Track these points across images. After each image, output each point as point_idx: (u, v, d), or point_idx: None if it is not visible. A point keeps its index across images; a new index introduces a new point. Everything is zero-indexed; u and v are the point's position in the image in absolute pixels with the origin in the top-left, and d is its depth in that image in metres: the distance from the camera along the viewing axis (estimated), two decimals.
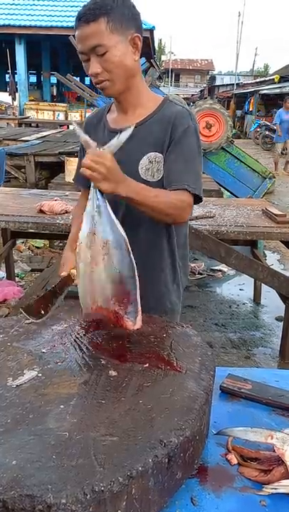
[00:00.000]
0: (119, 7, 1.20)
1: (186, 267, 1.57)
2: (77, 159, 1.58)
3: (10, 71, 16.13)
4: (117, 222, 1.09)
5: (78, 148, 1.56)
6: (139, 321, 1.09)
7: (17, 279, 4.35)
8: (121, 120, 1.37)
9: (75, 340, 1.11)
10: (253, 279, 4.00)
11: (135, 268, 1.09)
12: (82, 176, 1.39)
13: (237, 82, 30.26)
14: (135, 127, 1.32)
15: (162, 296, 1.49)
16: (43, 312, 1.16)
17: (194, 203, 1.33)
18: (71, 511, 0.65)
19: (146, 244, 1.40)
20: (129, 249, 1.08)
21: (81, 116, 14.18)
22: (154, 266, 1.44)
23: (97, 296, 1.12)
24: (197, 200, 1.32)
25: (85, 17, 1.18)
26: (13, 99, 15.65)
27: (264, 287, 3.93)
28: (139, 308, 1.09)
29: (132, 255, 1.08)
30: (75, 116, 14.73)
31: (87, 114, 1.54)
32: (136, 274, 1.09)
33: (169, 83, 47.47)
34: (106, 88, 1.27)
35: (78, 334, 1.15)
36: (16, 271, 4.37)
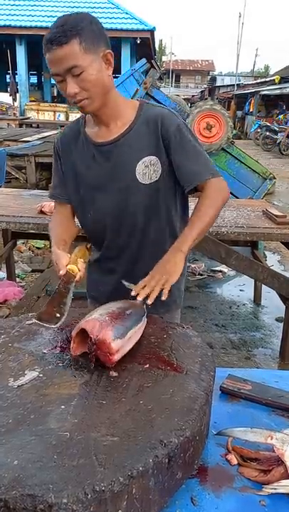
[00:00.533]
0: (88, 26, 1.20)
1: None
2: None
3: (10, 72, 16.15)
4: None
5: None
6: (120, 353, 1.01)
7: (18, 279, 4.35)
8: (105, 133, 1.38)
9: None
10: (253, 280, 4.00)
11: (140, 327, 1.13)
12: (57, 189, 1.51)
13: (237, 82, 30.27)
14: (122, 137, 1.36)
15: (172, 287, 1.52)
16: (58, 315, 1.14)
17: None
18: (72, 511, 0.66)
19: (154, 244, 1.43)
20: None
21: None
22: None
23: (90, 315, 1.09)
24: None
25: (57, 40, 1.17)
26: (14, 99, 15.65)
27: (264, 288, 3.93)
28: (125, 347, 1.04)
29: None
30: (75, 116, 14.73)
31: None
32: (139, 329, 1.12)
33: (170, 84, 47.46)
34: (85, 106, 1.28)
35: None
36: (16, 271, 4.38)
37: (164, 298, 1.14)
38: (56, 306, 1.15)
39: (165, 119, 1.34)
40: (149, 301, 1.13)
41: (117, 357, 1.00)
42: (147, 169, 1.36)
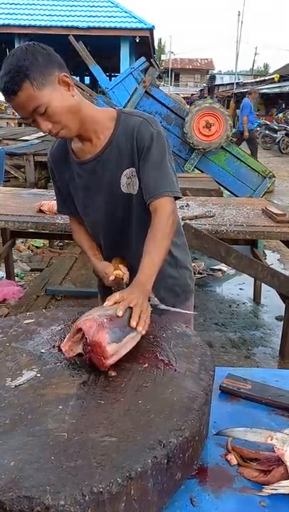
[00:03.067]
0: (33, 61, 1.17)
1: (181, 247, 1.61)
2: None
3: None
4: None
5: None
6: (114, 357, 0.99)
7: (17, 278, 4.34)
8: (90, 148, 1.38)
9: None
10: (253, 279, 3.99)
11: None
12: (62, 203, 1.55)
13: (237, 81, 30.24)
14: (103, 152, 1.36)
15: (170, 285, 1.57)
16: None
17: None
18: None
19: (139, 244, 1.39)
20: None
21: None
22: None
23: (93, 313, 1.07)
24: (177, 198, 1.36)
25: (10, 89, 1.16)
26: None
27: (264, 287, 3.92)
28: (121, 351, 1.02)
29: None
30: None
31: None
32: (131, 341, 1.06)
33: (169, 83, 47.43)
34: (65, 135, 1.29)
35: None
36: (15, 271, 4.37)
37: (144, 332, 1.07)
38: None
39: (140, 130, 1.33)
40: (144, 332, 1.08)
41: (111, 361, 0.98)
42: (130, 180, 1.38)
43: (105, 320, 1.02)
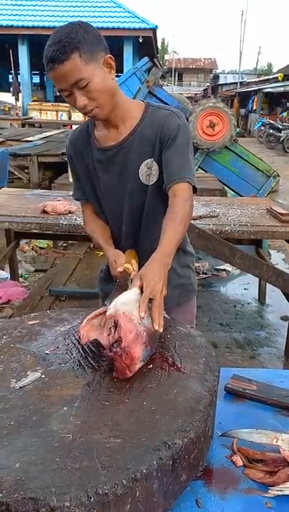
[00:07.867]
0: (84, 36, 1.20)
1: (189, 246, 1.63)
2: None
3: (13, 72, 16.16)
4: None
5: None
6: (134, 366, 0.97)
7: (21, 279, 4.35)
8: (115, 135, 1.40)
9: (78, 342, 1.11)
10: (257, 279, 3.98)
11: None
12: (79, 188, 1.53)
13: (240, 80, 30.17)
14: (127, 140, 1.38)
15: (177, 283, 1.55)
16: None
17: None
18: None
19: (150, 239, 1.40)
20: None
21: (84, 116, 14.17)
22: None
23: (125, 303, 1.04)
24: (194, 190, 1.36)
25: (58, 58, 1.18)
26: (16, 99, 15.67)
27: (269, 287, 3.91)
28: (142, 360, 1.00)
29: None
30: (78, 116, 14.72)
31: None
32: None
33: (172, 82, 47.34)
34: (97, 114, 1.30)
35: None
36: (19, 271, 4.38)
37: (161, 330, 1.03)
38: None
39: (168, 119, 1.36)
40: (161, 330, 1.04)
41: (131, 375, 0.97)
42: (150, 171, 1.39)
43: (144, 333, 1.00)
